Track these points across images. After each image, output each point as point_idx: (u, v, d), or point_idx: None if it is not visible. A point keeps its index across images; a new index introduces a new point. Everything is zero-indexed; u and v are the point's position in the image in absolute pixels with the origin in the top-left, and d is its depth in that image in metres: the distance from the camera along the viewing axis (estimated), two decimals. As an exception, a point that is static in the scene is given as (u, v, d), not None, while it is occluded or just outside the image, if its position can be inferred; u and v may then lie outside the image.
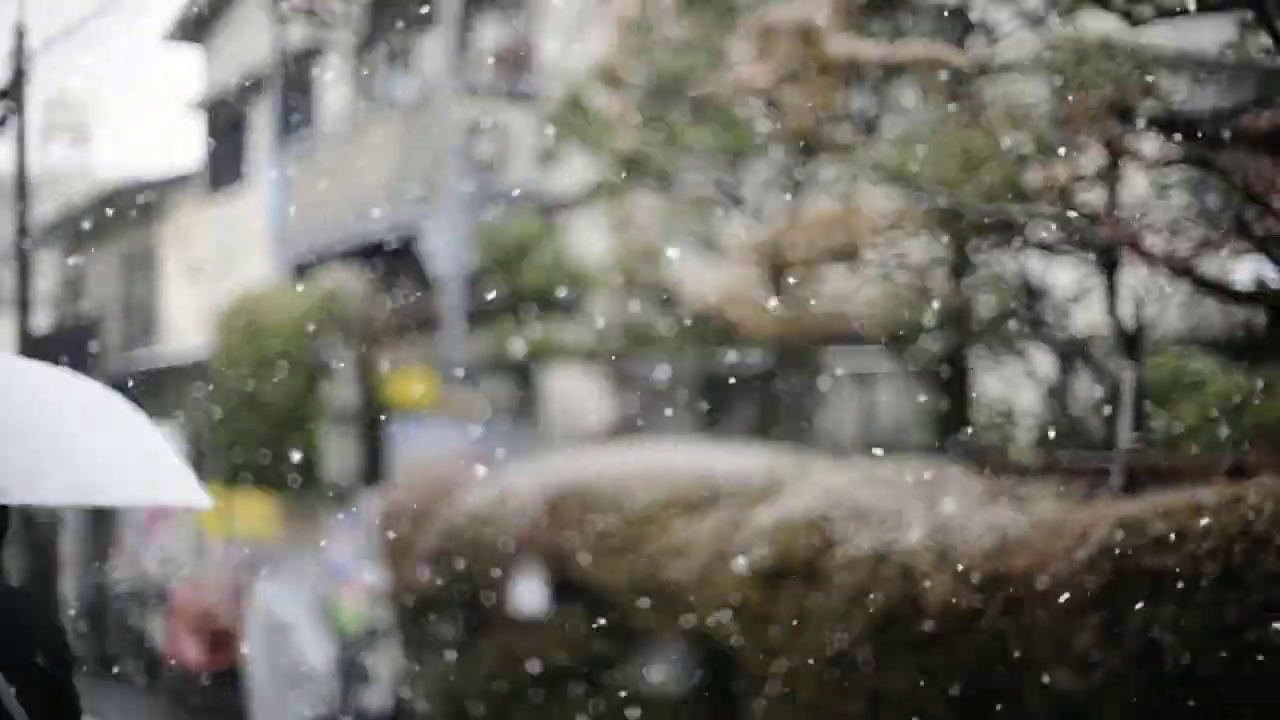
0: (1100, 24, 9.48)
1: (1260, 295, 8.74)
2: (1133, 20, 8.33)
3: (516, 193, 17.17)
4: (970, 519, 7.33)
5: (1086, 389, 11.70)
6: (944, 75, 12.44)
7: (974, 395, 13.49)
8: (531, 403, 16.88)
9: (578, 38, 17.31)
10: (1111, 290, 11.23)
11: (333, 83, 22.04)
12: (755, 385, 14.92)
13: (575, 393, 16.24)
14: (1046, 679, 6.34)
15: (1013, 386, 12.62)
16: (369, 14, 21.61)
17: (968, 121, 10.48)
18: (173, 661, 16.36)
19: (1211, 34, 8.59)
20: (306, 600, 14.90)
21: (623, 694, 9.30)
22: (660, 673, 9.06)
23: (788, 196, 15.17)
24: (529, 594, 10.26)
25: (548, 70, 17.66)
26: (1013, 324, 12.24)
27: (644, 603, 9.21)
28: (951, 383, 13.62)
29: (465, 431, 14.89)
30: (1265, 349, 12.86)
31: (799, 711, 7.92)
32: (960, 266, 12.96)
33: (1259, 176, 7.50)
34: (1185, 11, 8.19)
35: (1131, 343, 11.06)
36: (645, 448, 10.67)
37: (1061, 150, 9.60)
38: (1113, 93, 8.59)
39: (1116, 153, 9.18)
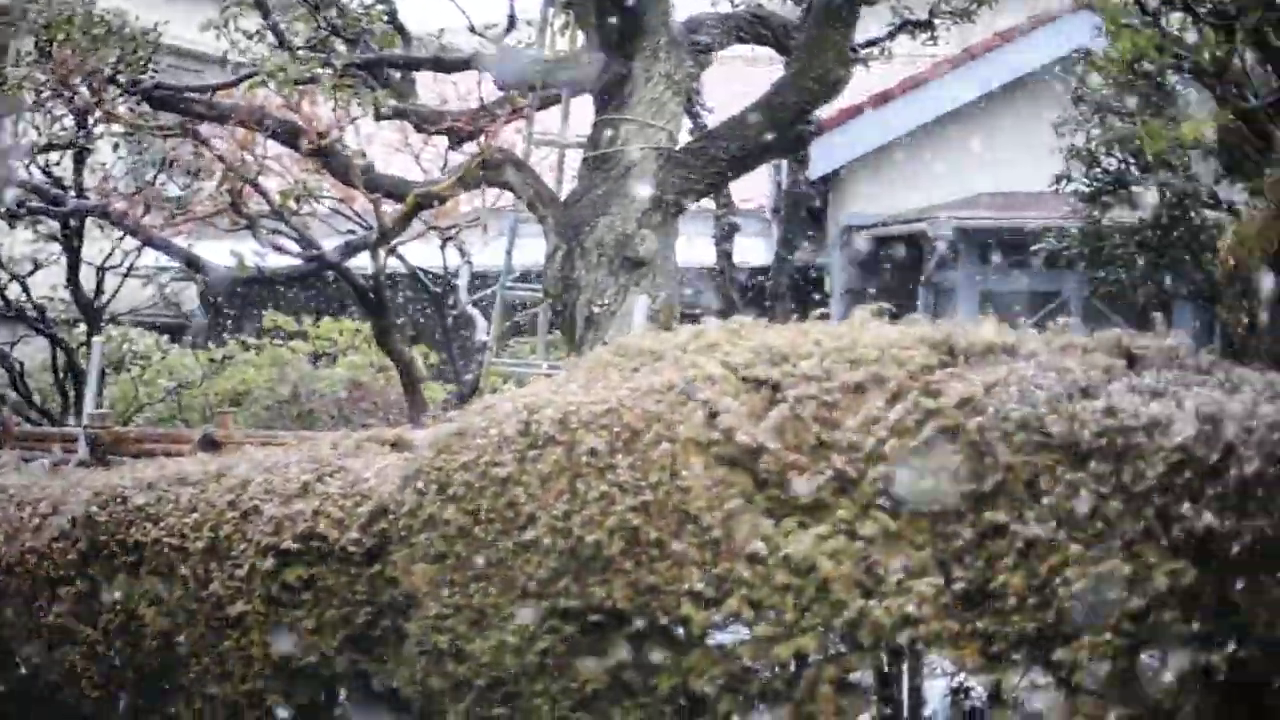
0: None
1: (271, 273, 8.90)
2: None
3: None
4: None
5: (41, 358, 11.44)
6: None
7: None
8: None
9: None
10: (73, 261, 11.06)
11: None
12: None
13: None
14: (17, 656, 6.15)
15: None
16: None
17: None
18: None
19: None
20: None
21: None
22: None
23: None
24: None
25: None
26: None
27: None
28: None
29: None
30: (214, 327, 13.12)
31: None
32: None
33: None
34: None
35: (90, 315, 10.95)
36: None
37: (31, 113, 9.39)
38: (94, 60, 8.47)
39: (92, 120, 9.04)
